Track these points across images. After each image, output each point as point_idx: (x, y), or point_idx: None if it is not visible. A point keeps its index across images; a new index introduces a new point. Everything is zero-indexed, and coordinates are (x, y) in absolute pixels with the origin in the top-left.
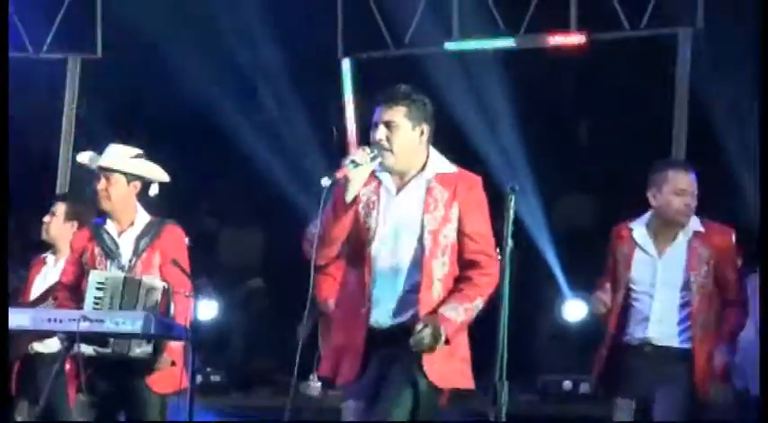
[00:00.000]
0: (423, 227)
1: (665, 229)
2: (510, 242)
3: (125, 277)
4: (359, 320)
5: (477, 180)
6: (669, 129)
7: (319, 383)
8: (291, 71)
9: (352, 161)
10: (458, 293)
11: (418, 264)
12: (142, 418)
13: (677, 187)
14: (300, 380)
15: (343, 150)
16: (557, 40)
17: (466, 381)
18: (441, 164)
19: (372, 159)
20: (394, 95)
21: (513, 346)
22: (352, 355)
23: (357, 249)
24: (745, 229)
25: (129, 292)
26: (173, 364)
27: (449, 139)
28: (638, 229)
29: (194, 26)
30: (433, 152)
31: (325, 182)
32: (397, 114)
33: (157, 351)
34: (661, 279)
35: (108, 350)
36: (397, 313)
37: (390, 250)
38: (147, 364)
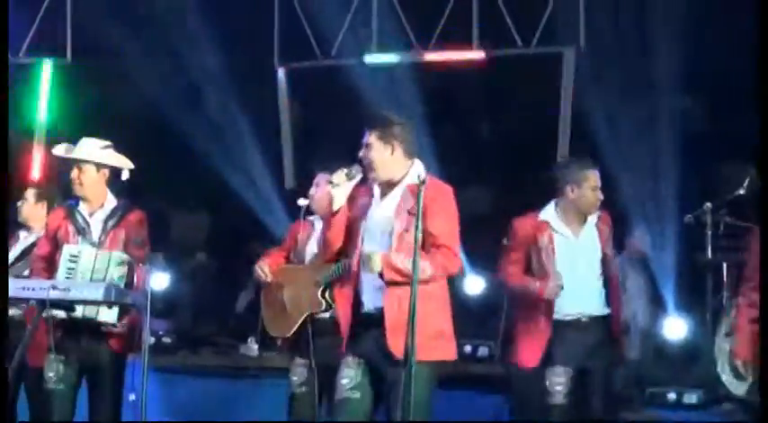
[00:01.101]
0: (392, 228)
1: (574, 215)
2: (420, 225)
3: (97, 252)
4: (349, 305)
5: (446, 189)
6: (555, 133)
7: (257, 345)
8: (235, 77)
9: (331, 182)
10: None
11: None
12: (102, 374)
13: (594, 184)
14: (240, 342)
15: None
16: (460, 55)
17: (427, 353)
18: (416, 174)
19: (349, 178)
20: (370, 121)
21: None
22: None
23: (351, 244)
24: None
25: (99, 265)
26: (131, 327)
27: None
28: (553, 219)
29: (151, 34)
30: (417, 164)
31: (302, 202)
32: (372, 137)
33: (120, 316)
34: (582, 257)
35: (78, 315)
36: (371, 302)
37: (374, 247)
38: (110, 328)
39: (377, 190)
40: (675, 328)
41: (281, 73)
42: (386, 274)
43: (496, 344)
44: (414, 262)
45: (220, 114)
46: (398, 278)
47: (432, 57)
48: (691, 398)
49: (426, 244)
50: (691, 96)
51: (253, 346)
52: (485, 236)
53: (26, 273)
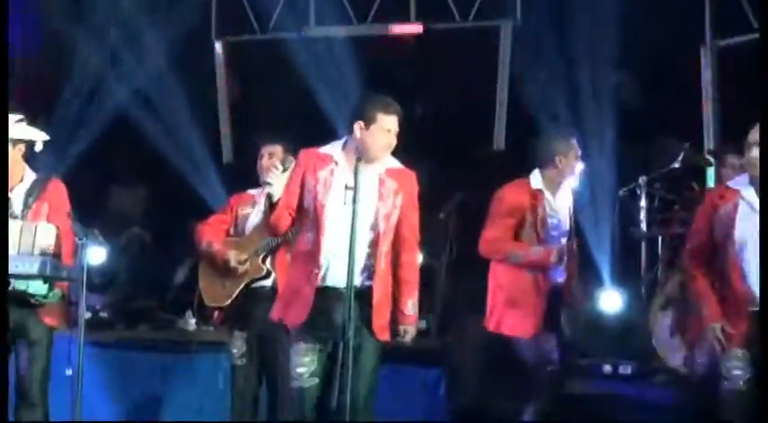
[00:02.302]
0: (377, 211)
1: (557, 185)
2: (357, 201)
3: (22, 224)
4: (311, 279)
5: (414, 174)
6: (492, 107)
7: (194, 319)
8: (173, 51)
9: (268, 184)
10: (406, 286)
11: (372, 241)
12: (32, 346)
13: (578, 154)
14: (178, 317)
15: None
16: (398, 28)
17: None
18: (390, 160)
19: (284, 171)
20: (396, 108)
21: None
22: (301, 305)
23: (314, 221)
24: None
25: (25, 237)
26: (62, 298)
27: (308, 114)
28: (545, 188)
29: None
30: None
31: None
32: (397, 123)
33: (51, 289)
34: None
35: (9, 288)
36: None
37: (346, 225)
38: (41, 300)
39: (346, 170)
40: (611, 301)
41: (218, 46)
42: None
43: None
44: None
45: (157, 88)
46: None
47: (370, 30)
48: (626, 369)
49: (399, 229)
50: (627, 71)
51: (190, 321)
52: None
53: None
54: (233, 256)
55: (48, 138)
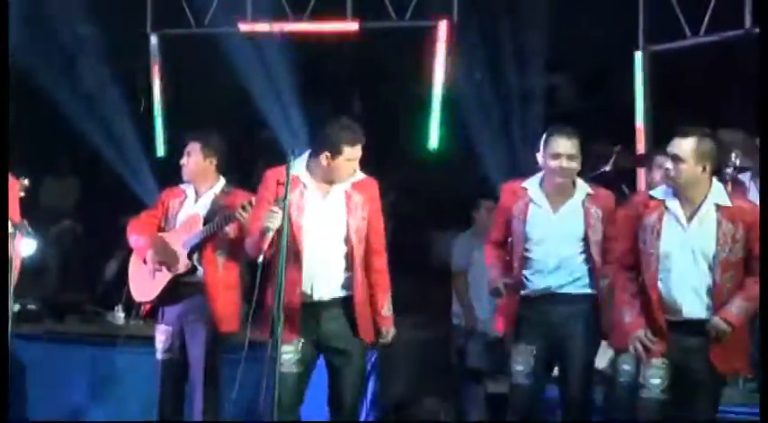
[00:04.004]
0: (348, 226)
1: (556, 188)
2: (289, 196)
3: None
4: (295, 294)
5: (376, 183)
6: (429, 104)
7: (123, 313)
8: (107, 43)
9: (269, 229)
10: (381, 290)
11: (347, 254)
12: None
13: (551, 151)
14: (107, 310)
15: (149, 118)
16: (334, 26)
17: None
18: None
19: (281, 209)
20: (359, 134)
21: None
22: (290, 318)
23: (293, 241)
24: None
25: None
26: None
27: (240, 108)
28: (534, 188)
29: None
30: None
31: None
32: (360, 150)
33: None
34: (557, 233)
35: None
36: (334, 290)
37: (322, 243)
38: None
39: (315, 190)
40: None
41: (153, 40)
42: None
43: None
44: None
45: (92, 80)
46: None
47: (306, 27)
48: (555, 371)
49: (369, 237)
50: (562, 73)
51: (119, 314)
52: None
53: None
54: (159, 251)
55: None
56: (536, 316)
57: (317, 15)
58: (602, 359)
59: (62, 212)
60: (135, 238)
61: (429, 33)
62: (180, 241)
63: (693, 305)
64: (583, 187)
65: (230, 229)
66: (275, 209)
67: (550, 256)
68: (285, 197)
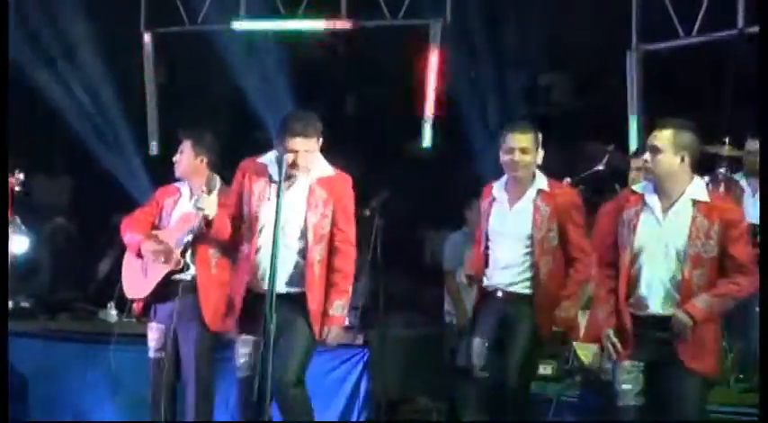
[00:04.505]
0: (306, 221)
1: (514, 184)
2: (281, 194)
3: None
4: (245, 286)
5: (348, 180)
6: (421, 105)
7: (115, 311)
8: (101, 42)
9: (201, 209)
10: (334, 289)
11: (302, 250)
12: None
13: (505, 145)
14: (100, 308)
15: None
16: (329, 24)
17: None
18: (322, 167)
19: (210, 193)
20: (309, 126)
21: None
22: (232, 312)
23: (250, 231)
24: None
25: None
26: None
27: (235, 107)
28: (497, 185)
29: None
30: (319, 158)
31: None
32: (311, 142)
33: None
34: (510, 230)
35: None
36: (288, 284)
37: (281, 239)
38: None
39: (282, 183)
40: None
41: (147, 38)
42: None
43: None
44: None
45: (86, 79)
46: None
47: (299, 25)
48: (545, 369)
49: (332, 235)
50: (555, 73)
51: (111, 312)
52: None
53: None
54: (148, 248)
55: None
56: (488, 311)
57: (310, 13)
58: (592, 360)
59: (55, 210)
60: (129, 236)
61: (422, 32)
62: (174, 239)
63: (662, 301)
64: (539, 184)
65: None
66: (204, 189)
67: (503, 253)
68: (279, 184)
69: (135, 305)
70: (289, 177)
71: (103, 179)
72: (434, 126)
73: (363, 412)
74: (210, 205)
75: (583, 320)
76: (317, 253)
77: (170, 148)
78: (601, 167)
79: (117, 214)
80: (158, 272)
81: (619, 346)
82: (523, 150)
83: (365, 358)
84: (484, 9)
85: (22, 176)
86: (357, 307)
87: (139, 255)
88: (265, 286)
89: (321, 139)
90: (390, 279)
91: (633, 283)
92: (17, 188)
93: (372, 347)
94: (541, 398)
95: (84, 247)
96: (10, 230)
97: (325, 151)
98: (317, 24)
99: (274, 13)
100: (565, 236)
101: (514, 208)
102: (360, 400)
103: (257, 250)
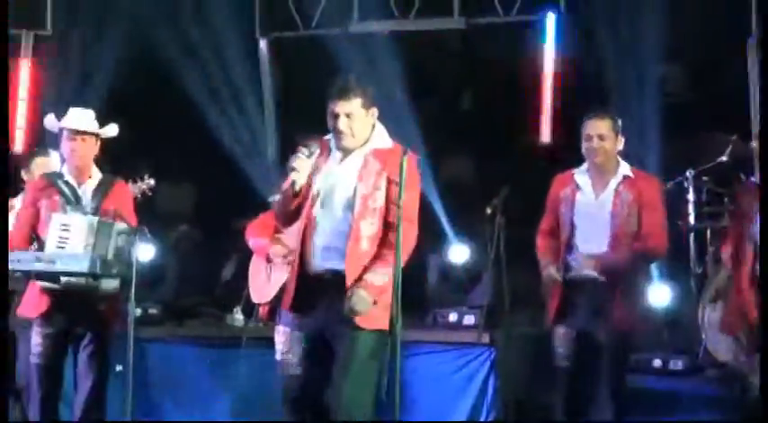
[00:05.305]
0: (355, 192)
1: (596, 171)
2: (403, 195)
3: (99, 220)
4: (295, 263)
5: (410, 156)
6: (539, 100)
7: (242, 315)
8: (218, 48)
9: (294, 169)
10: (380, 259)
11: (349, 222)
12: (95, 344)
13: (584, 133)
14: (226, 313)
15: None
16: (441, 23)
17: (383, 323)
18: (379, 140)
19: (309, 157)
20: (347, 89)
21: (408, 283)
22: (287, 292)
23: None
24: None
25: (101, 235)
26: (126, 298)
27: None
28: (580, 174)
29: (132, 5)
30: (378, 129)
31: (273, 199)
32: (352, 105)
33: (123, 286)
34: (597, 218)
35: (57, 286)
36: (327, 260)
37: (329, 210)
38: (108, 297)
39: (337, 154)
40: (660, 294)
41: (262, 44)
42: (379, 299)
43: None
44: (398, 230)
45: (204, 86)
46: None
47: (413, 26)
48: (676, 364)
49: (387, 211)
50: (674, 63)
51: (238, 317)
52: (467, 205)
53: None
54: (277, 252)
55: (116, 132)
56: (576, 300)
57: (423, 13)
58: (727, 351)
59: (179, 218)
60: (254, 240)
61: (537, 27)
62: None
63: None
64: (623, 170)
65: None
66: (303, 151)
67: (588, 241)
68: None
69: (261, 309)
70: (343, 149)
71: (226, 185)
72: (552, 121)
73: (492, 411)
74: (303, 168)
75: (710, 312)
76: (367, 227)
77: (288, 152)
78: (724, 158)
79: (239, 219)
80: (282, 275)
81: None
82: (601, 137)
83: (492, 357)
84: (599, 1)
85: (152, 182)
86: (481, 306)
87: (268, 259)
88: (318, 265)
89: (373, 107)
90: (514, 277)
91: None
92: (149, 194)
93: (498, 346)
94: (672, 393)
95: (208, 252)
96: (138, 239)
97: (444, 149)
98: (431, 24)
99: (387, 15)
100: (640, 222)
101: (600, 195)
102: (488, 398)
103: (310, 224)
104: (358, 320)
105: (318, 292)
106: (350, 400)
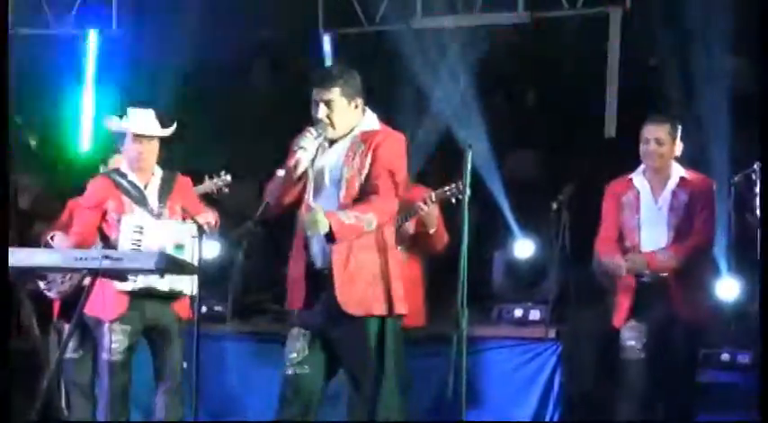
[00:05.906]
0: (342, 175)
1: (654, 174)
2: (468, 191)
3: (168, 220)
4: (299, 254)
5: (392, 134)
6: (602, 95)
7: None
8: (281, 44)
9: (302, 147)
10: (353, 206)
11: (335, 207)
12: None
13: (642, 136)
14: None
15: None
16: (506, 18)
17: (379, 306)
18: (368, 123)
19: (317, 138)
20: (327, 77)
21: (473, 279)
22: (297, 287)
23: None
24: None
25: (176, 234)
26: (191, 297)
27: (415, 106)
28: (637, 177)
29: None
30: (368, 114)
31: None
32: (333, 93)
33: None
34: (660, 220)
35: (128, 288)
36: (320, 258)
37: (319, 197)
38: (176, 296)
39: (325, 142)
40: (728, 288)
41: (326, 40)
42: (337, 235)
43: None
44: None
45: (266, 83)
46: (352, 236)
47: (477, 21)
48: (744, 358)
49: (368, 179)
50: (741, 56)
51: None
52: (533, 200)
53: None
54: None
55: (172, 131)
56: (646, 299)
57: (487, 8)
58: None
59: (243, 215)
60: None
61: (602, 20)
62: None
63: None
64: (677, 172)
65: (410, 225)
66: (312, 131)
67: (654, 243)
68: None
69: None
70: (327, 137)
71: None
72: (618, 116)
73: (558, 406)
74: (310, 147)
75: None
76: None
77: None
78: None
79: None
80: None
81: None
82: (658, 141)
83: (558, 352)
84: None
85: (228, 178)
86: (547, 301)
87: None
88: (318, 262)
89: (358, 98)
90: (580, 273)
91: None
92: (226, 190)
93: (564, 341)
94: (738, 387)
95: (273, 249)
96: (201, 235)
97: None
98: (495, 19)
99: (451, 10)
100: (693, 220)
101: (659, 198)
102: (554, 394)
103: (305, 211)
104: (349, 309)
105: (320, 287)
106: (377, 394)
